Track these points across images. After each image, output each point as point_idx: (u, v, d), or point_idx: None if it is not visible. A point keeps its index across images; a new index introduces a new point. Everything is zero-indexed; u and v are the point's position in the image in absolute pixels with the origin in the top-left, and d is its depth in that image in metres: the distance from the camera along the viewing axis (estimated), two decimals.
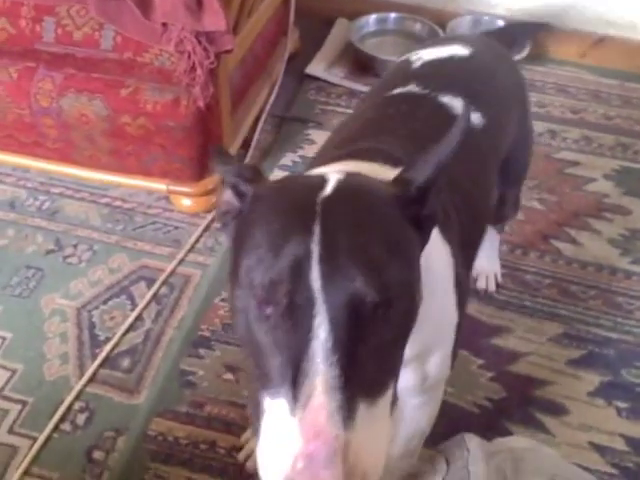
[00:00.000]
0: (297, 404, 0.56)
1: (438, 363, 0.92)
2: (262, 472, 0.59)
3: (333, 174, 0.69)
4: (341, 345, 0.57)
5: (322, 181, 0.67)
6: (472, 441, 0.75)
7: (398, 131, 1.00)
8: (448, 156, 0.68)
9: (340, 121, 2.10)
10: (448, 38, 1.33)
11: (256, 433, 0.61)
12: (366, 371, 0.59)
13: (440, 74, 1.15)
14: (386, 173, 0.81)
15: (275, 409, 0.58)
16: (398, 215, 0.68)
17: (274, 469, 0.57)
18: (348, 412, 0.56)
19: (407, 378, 0.90)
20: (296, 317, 0.59)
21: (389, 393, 0.62)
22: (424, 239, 0.73)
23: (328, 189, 0.66)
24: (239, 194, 0.72)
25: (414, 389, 0.95)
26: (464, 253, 0.95)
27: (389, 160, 0.86)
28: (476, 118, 1.09)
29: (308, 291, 0.58)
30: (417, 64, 1.18)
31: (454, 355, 0.95)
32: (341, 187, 0.67)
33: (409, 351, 0.76)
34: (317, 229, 0.61)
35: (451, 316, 0.90)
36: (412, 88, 1.10)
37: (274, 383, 0.59)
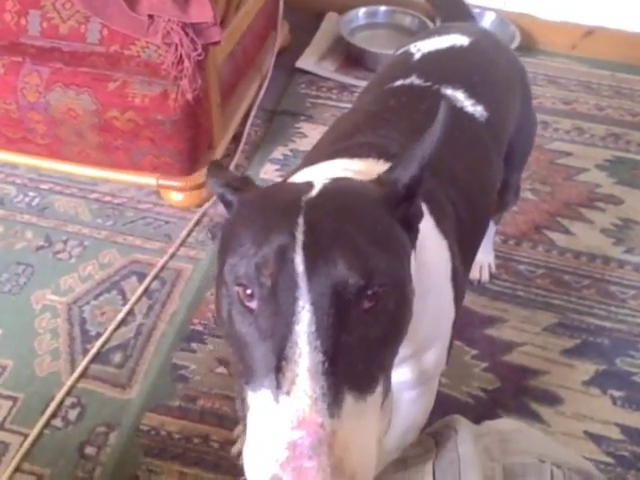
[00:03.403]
0: (280, 391, 0.55)
1: (434, 358, 0.91)
2: (248, 472, 0.57)
3: (320, 179, 0.69)
4: (325, 329, 0.56)
5: (308, 186, 0.67)
6: (460, 423, 0.74)
7: (399, 124, 0.99)
8: (431, 152, 0.67)
9: (333, 114, 2.12)
10: (446, 27, 1.32)
11: (243, 433, 0.59)
12: (352, 361, 0.57)
13: (441, 65, 1.14)
14: (380, 169, 0.80)
15: (259, 401, 0.57)
16: (385, 214, 0.67)
17: (259, 466, 0.55)
18: (334, 400, 0.54)
19: (404, 373, 0.90)
20: (279, 301, 0.58)
21: (378, 391, 0.60)
22: (413, 237, 0.72)
23: (314, 192, 0.66)
24: (226, 204, 0.72)
25: (410, 383, 0.94)
26: (463, 247, 0.94)
27: (384, 155, 0.86)
28: (478, 110, 1.08)
29: (292, 275, 0.58)
30: (417, 55, 1.17)
31: (450, 349, 0.94)
32: (327, 189, 0.67)
33: (407, 348, 0.78)
34: (301, 220, 0.60)
35: (448, 311, 0.89)
36: (414, 80, 1.09)
37: (258, 374, 0.57)
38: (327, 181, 0.69)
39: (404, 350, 0.74)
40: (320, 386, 0.54)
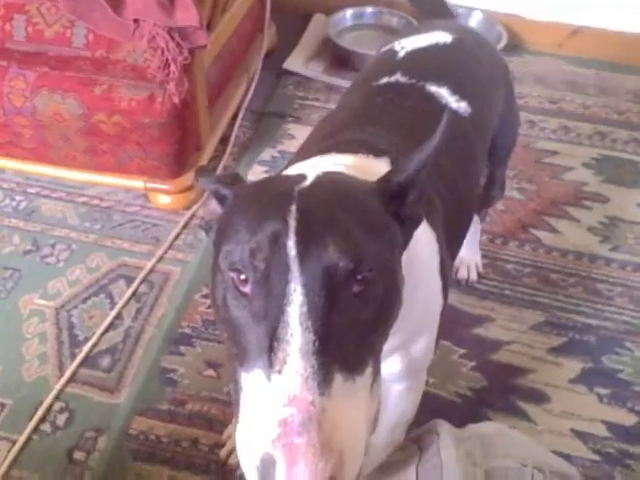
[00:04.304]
0: (272, 370, 0.56)
1: (423, 348, 0.93)
2: (240, 452, 0.58)
3: (312, 172, 0.71)
4: (316, 310, 0.58)
5: (301, 177, 0.69)
6: (442, 427, 0.75)
7: (385, 120, 1.01)
8: (427, 159, 0.70)
9: (320, 115, 2.12)
10: (429, 25, 1.34)
11: (236, 416, 0.61)
12: (342, 342, 0.59)
13: (425, 63, 1.16)
14: (370, 164, 0.83)
15: (252, 381, 0.58)
16: (376, 204, 0.69)
17: (251, 444, 0.56)
18: (324, 379, 0.56)
19: (393, 363, 0.92)
20: (272, 284, 0.60)
21: (367, 373, 0.61)
22: (406, 236, 0.74)
23: (307, 182, 0.68)
24: (220, 198, 0.74)
25: (399, 374, 0.96)
26: (449, 241, 0.96)
27: (372, 151, 0.88)
28: (462, 107, 1.10)
29: (284, 258, 0.60)
30: (402, 53, 1.19)
31: (437, 339, 0.96)
32: (319, 179, 0.69)
33: (397, 337, 0.80)
34: (294, 208, 0.63)
35: (437, 302, 0.92)
36: (399, 78, 1.10)
37: (251, 355, 0.59)
38: (320, 173, 0.71)
39: (394, 339, 0.76)
40: (311, 365, 0.56)
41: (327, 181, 0.70)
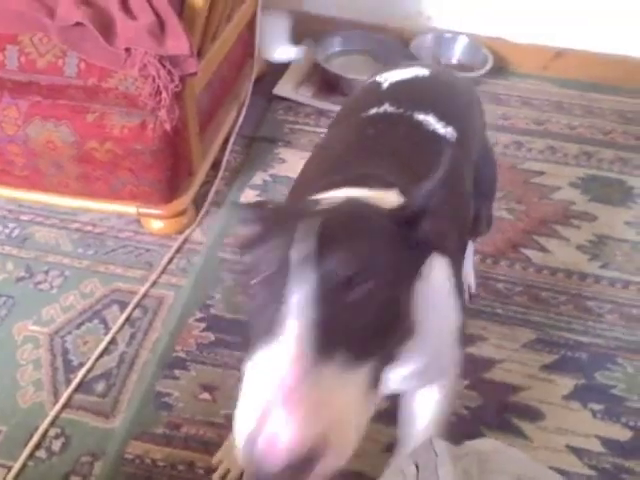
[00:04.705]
0: (270, 351, 0.63)
1: (449, 360, 1.01)
2: (237, 430, 0.62)
3: (334, 198, 0.78)
4: (314, 307, 0.64)
5: (321, 201, 0.78)
6: (439, 445, 0.76)
7: (382, 150, 1.06)
8: (436, 188, 0.75)
9: (310, 139, 2.15)
10: (406, 63, 1.41)
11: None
12: (336, 339, 0.64)
13: (409, 93, 1.21)
14: (383, 196, 0.88)
15: (254, 364, 0.65)
16: (387, 226, 0.74)
17: (248, 418, 0.60)
18: (314, 365, 0.61)
19: (424, 377, 0.98)
20: (279, 282, 0.67)
21: (362, 372, 0.65)
22: (419, 260, 0.78)
23: (324, 204, 0.75)
24: (252, 222, 0.81)
25: (430, 382, 1.03)
26: (455, 261, 1.00)
27: (382, 183, 0.92)
28: (449, 132, 1.14)
29: (289, 263, 0.67)
30: (385, 85, 1.24)
31: (461, 350, 1.02)
32: (337, 202, 0.76)
33: (423, 355, 0.88)
34: (306, 223, 0.70)
35: (455, 319, 0.96)
36: (387, 108, 1.15)
37: (256, 342, 0.66)
38: (339, 199, 0.77)
39: (416, 361, 0.86)
40: (302, 350, 0.61)
41: (343, 202, 0.76)
